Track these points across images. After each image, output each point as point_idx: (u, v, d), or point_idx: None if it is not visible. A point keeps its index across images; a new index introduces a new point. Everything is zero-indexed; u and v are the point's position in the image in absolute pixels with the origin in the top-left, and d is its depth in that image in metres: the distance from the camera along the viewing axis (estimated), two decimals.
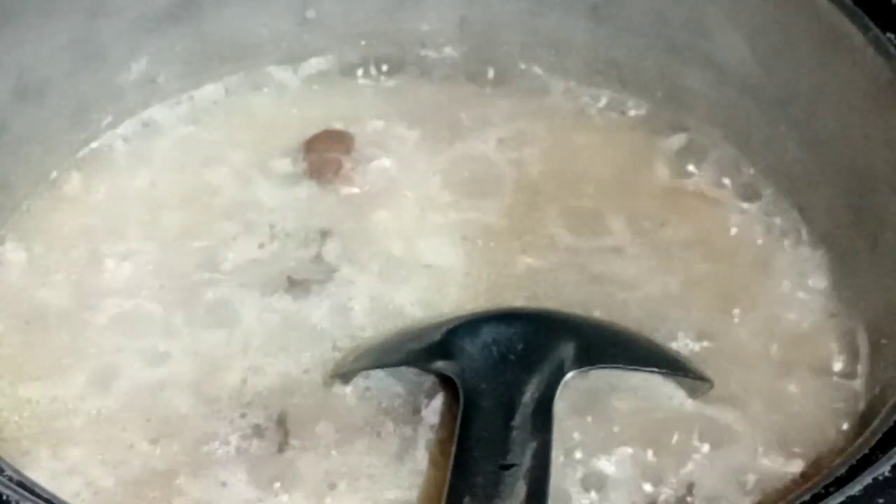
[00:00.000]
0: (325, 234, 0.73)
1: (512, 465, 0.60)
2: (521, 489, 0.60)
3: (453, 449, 0.62)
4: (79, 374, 0.67)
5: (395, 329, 0.69)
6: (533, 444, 0.61)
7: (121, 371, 0.67)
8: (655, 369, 0.66)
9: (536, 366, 0.64)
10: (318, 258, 0.72)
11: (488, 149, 0.77)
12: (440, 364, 0.65)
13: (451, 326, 0.66)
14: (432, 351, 0.66)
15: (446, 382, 0.66)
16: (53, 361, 0.67)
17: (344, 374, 0.66)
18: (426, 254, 0.72)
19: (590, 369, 0.65)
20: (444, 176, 0.76)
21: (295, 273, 0.71)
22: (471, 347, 0.65)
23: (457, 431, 0.62)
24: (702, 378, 0.66)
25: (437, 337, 0.66)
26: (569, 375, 0.64)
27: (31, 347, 0.68)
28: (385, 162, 0.76)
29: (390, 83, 0.81)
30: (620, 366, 0.66)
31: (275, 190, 0.75)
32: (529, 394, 0.63)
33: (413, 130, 0.78)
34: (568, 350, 0.65)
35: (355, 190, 0.75)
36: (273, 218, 0.73)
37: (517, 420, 0.62)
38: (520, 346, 0.65)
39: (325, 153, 0.76)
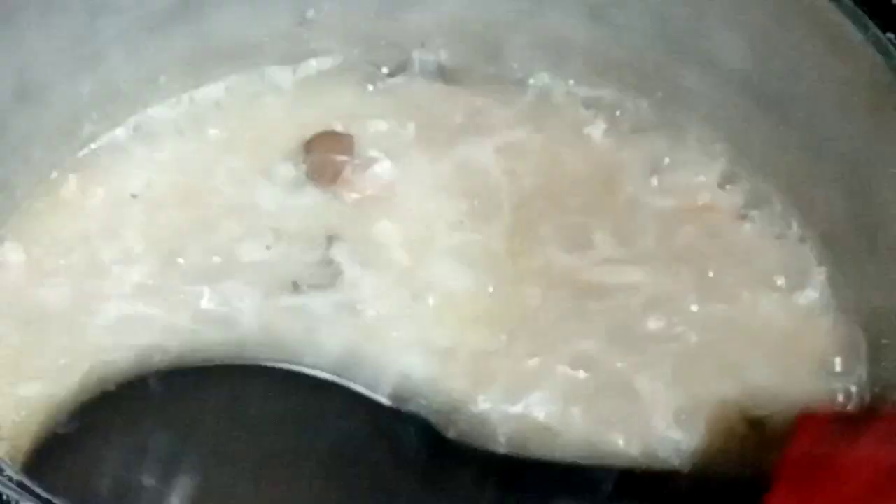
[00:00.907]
0: (325, 240, 0.73)
1: None
2: None
3: None
4: (78, 374, 0.67)
5: None
6: None
7: (122, 372, 0.67)
8: None
9: None
10: (319, 263, 0.72)
11: (486, 152, 0.77)
12: None
13: None
14: None
15: None
16: (53, 362, 0.67)
17: None
18: (425, 259, 0.72)
19: None
20: (443, 176, 0.76)
21: (297, 278, 0.71)
22: None
23: None
24: None
25: None
26: None
27: (31, 348, 0.68)
28: (385, 164, 0.76)
29: (390, 84, 0.80)
30: None
31: (275, 193, 0.75)
32: None
33: (412, 132, 0.77)
34: None
35: (355, 194, 0.74)
36: (273, 221, 0.73)
37: None
38: None
39: (324, 155, 0.75)
